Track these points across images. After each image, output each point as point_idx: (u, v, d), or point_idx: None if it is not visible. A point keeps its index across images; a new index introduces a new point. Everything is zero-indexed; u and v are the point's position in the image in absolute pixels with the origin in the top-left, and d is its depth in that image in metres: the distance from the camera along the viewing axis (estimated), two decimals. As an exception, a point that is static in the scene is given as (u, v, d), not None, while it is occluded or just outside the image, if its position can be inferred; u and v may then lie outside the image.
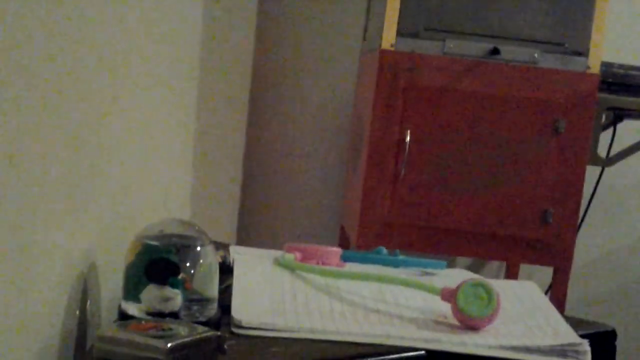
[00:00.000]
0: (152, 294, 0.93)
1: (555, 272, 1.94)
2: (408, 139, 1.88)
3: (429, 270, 1.24)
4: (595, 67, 1.91)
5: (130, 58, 1.14)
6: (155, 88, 1.31)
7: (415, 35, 1.89)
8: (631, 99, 2.07)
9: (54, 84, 0.84)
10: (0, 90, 0.70)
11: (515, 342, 0.95)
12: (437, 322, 1.00)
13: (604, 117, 2.09)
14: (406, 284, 1.07)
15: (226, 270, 1.09)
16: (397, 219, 1.90)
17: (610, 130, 2.35)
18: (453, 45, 1.89)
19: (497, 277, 2.43)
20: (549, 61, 1.91)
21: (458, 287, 1.00)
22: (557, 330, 1.01)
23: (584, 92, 1.90)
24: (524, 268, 2.40)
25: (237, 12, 2.12)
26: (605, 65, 2.03)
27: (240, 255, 1.16)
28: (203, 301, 0.96)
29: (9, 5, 0.69)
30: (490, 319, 0.99)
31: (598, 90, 1.92)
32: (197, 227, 1.01)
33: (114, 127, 1.09)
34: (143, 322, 0.87)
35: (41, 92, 0.80)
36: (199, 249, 0.97)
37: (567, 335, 0.99)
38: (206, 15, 1.67)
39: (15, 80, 0.73)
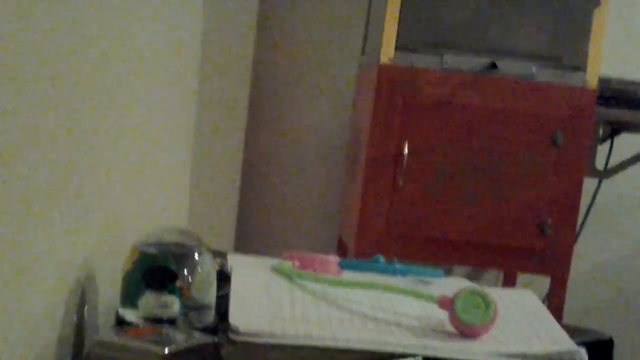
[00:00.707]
0: (149, 300, 0.93)
1: (552, 281, 1.94)
2: (406, 151, 1.89)
3: (426, 278, 1.24)
4: (592, 82, 1.92)
5: (129, 65, 1.15)
6: (153, 97, 1.31)
7: (413, 50, 1.90)
8: (628, 112, 2.08)
9: (50, 92, 0.84)
10: None
11: (512, 350, 0.95)
12: (435, 330, 1.00)
13: (601, 130, 2.10)
14: (403, 292, 1.07)
15: (224, 277, 1.09)
16: (395, 229, 1.90)
17: (608, 143, 2.36)
18: (451, 60, 1.90)
19: (494, 286, 2.44)
20: (546, 76, 1.91)
21: (455, 295, 1.00)
22: (555, 338, 1.01)
23: (582, 106, 1.91)
24: (522, 277, 2.40)
25: (236, 24, 2.13)
26: (603, 80, 2.04)
27: (237, 263, 1.16)
28: (200, 308, 0.96)
29: (8, 5, 0.70)
30: (487, 327, 0.99)
31: (596, 105, 1.93)
32: (195, 236, 1.01)
33: (112, 135, 1.09)
34: (140, 328, 0.87)
35: (38, 101, 0.80)
36: (196, 256, 0.97)
37: (565, 343, 0.99)
38: (205, 33, 1.68)
39: (9, 87, 0.73)
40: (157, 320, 0.92)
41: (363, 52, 2.30)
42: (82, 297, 0.99)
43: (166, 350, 0.80)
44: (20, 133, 0.76)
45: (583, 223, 2.40)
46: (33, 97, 0.78)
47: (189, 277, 0.96)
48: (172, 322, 0.93)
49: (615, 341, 1.09)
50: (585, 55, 1.91)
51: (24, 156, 0.77)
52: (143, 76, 1.23)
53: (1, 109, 0.71)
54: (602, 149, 2.31)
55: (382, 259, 1.26)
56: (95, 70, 0.98)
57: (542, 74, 1.91)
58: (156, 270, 0.95)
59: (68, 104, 0.89)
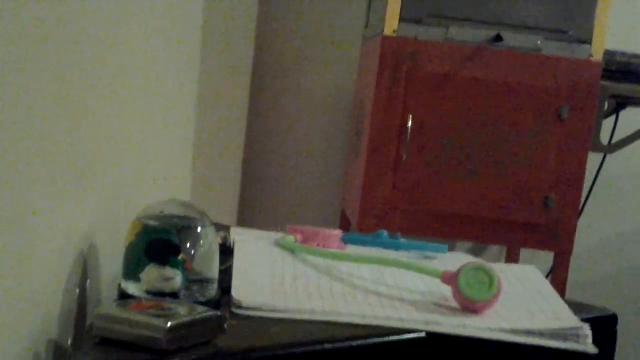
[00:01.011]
0: (152, 273, 0.93)
1: (556, 257, 1.94)
2: (410, 124, 1.88)
3: (430, 253, 1.24)
4: (598, 55, 1.90)
5: (130, 36, 1.14)
6: (155, 70, 1.30)
7: (417, 22, 1.88)
8: (633, 86, 2.06)
9: (53, 63, 0.83)
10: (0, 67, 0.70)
11: (515, 325, 0.95)
12: (438, 305, 1.00)
13: (606, 104, 2.09)
14: (407, 266, 1.06)
15: (227, 251, 1.09)
16: (398, 203, 1.90)
17: (612, 118, 2.35)
18: (456, 32, 1.88)
19: (497, 261, 2.44)
20: (552, 48, 1.90)
21: (459, 270, 1.00)
22: (558, 314, 1.01)
23: (587, 79, 1.90)
24: (525, 253, 2.40)
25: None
26: (608, 53, 2.02)
27: (240, 237, 1.16)
28: (203, 282, 0.96)
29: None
30: (491, 302, 0.99)
31: (601, 78, 1.92)
32: (197, 208, 1.00)
33: (115, 107, 1.08)
34: (143, 301, 0.87)
35: (42, 71, 0.80)
36: (199, 229, 0.97)
37: (568, 319, 0.99)
38: (207, 1, 1.67)
39: (14, 60, 0.72)
40: (159, 294, 0.92)
41: (367, 24, 2.29)
42: (85, 269, 0.99)
43: (168, 324, 0.80)
44: (22, 105, 0.75)
45: (587, 198, 2.40)
46: (36, 75, 0.78)
47: (192, 250, 0.95)
48: (174, 295, 0.92)
49: (619, 317, 1.08)
50: (591, 27, 1.90)
51: (25, 129, 0.76)
52: (145, 46, 1.22)
53: (5, 82, 0.70)
54: (607, 124, 2.30)
55: (385, 233, 1.26)
56: (97, 46, 0.97)
57: (548, 47, 1.90)
58: (158, 243, 0.94)
59: (71, 78, 0.88)
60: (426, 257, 1.22)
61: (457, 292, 0.99)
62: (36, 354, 0.85)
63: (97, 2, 0.95)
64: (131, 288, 0.93)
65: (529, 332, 0.94)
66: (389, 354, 0.90)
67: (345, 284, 1.03)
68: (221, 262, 1.00)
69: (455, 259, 1.20)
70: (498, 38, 1.89)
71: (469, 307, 0.99)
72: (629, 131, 2.23)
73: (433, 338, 0.91)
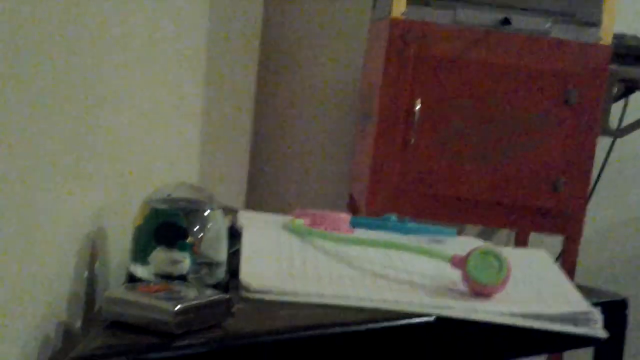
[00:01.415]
0: (160, 256, 0.92)
1: (565, 241, 1.93)
2: (418, 107, 1.87)
3: (439, 237, 1.23)
4: (607, 39, 1.89)
5: (138, 21, 1.13)
6: (163, 52, 1.30)
7: (426, 4, 1.87)
8: (643, 70, 2.06)
9: (61, 48, 0.83)
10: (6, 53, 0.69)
11: (525, 309, 0.94)
12: (447, 289, 1.00)
13: (615, 88, 2.08)
14: (416, 250, 1.06)
15: (235, 234, 1.09)
16: (407, 186, 1.89)
17: (622, 102, 2.34)
18: (464, 15, 1.87)
19: (506, 245, 2.43)
20: (560, 32, 1.89)
21: (468, 255, 0.99)
22: (568, 299, 1.00)
23: (596, 63, 1.88)
24: (534, 237, 2.40)
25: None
26: (618, 37, 2.01)
27: (249, 220, 1.15)
28: (211, 265, 0.95)
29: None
30: (500, 286, 0.98)
31: (610, 62, 1.91)
32: (206, 192, 1.00)
33: (123, 90, 1.08)
34: (151, 284, 0.87)
35: (49, 56, 0.79)
36: (207, 213, 0.96)
37: (579, 303, 0.98)
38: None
39: (23, 45, 0.72)
40: (167, 277, 0.92)
41: (375, 6, 2.27)
42: (93, 252, 0.98)
43: (177, 307, 0.79)
44: (29, 93, 0.74)
45: (596, 182, 2.39)
46: (43, 59, 0.77)
47: (200, 234, 0.95)
48: (182, 278, 0.92)
49: (629, 301, 1.08)
50: (600, 11, 1.88)
51: (33, 112, 0.76)
52: (154, 30, 1.22)
53: (15, 66, 0.70)
54: (616, 108, 2.29)
55: (394, 217, 1.25)
56: (103, 30, 0.97)
57: (557, 30, 1.88)
58: (167, 226, 0.94)
59: (80, 61, 0.88)
60: (435, 241, 1.21)
61: (467, 276, 0.99)
62: (45, 337, 0.84)
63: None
64: (140, 271, 0.93)
65: (539, 317, 0.93)
66: (398, 338, 0.90)
67: (354, 268, 1.03)
68: (229, 245, 1.00)
69: (464, 243, 1.19)
70: (506, 21, 1.88)
71: (478, 291, 0.98)
72: (638, 115, 2.22)
73: (442, 322, 0.91)
